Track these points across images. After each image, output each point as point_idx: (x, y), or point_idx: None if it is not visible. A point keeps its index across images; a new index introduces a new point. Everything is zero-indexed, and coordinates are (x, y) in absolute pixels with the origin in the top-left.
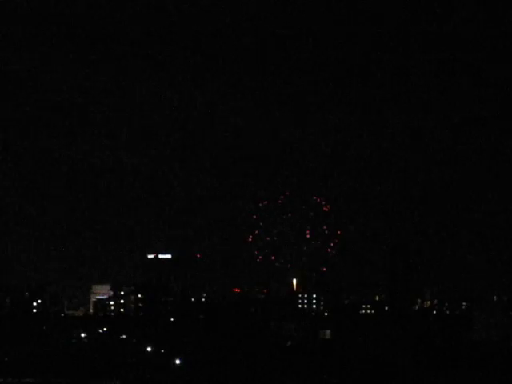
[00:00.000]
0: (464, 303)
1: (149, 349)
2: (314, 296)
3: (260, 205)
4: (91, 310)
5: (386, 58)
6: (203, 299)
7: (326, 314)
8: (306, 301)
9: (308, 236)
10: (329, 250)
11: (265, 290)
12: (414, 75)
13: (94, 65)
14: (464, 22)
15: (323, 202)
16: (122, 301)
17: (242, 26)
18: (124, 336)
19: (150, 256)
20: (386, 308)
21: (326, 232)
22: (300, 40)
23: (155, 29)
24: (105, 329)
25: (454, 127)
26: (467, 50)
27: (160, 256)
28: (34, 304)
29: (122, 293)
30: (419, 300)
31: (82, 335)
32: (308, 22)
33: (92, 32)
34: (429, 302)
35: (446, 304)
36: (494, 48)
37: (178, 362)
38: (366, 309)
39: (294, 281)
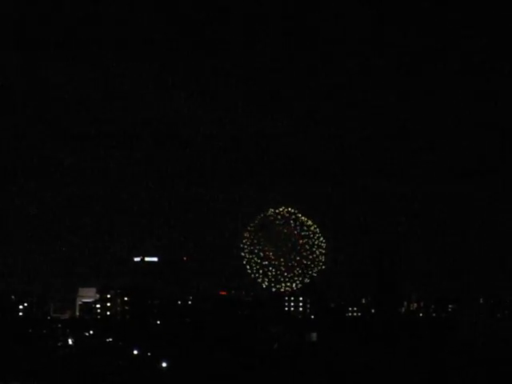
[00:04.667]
0: (450, 305)
1: (135, 352)
2: (301, 299)
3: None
4: (77, 313)
5: None
6: (190, 302)
7: (312, 316)
8: (292, 303)
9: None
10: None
11: (251, 293)
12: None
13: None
14: None
15: None
16: (108, 304)
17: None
18: (110, 339)
19: (137, 259)
20: (373, 311)
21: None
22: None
23: (155, 36)
24: (91, 332)
25: (446, 130)
26: None
27: (146, 259)
28: (20, 307)
29: (109, 296)
30: (405, 302)
31: (69, 339)
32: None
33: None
34: (415, 305)
35: (433, 306)
36: None
37: (164, 364)
38: (352, 311)
39: None
